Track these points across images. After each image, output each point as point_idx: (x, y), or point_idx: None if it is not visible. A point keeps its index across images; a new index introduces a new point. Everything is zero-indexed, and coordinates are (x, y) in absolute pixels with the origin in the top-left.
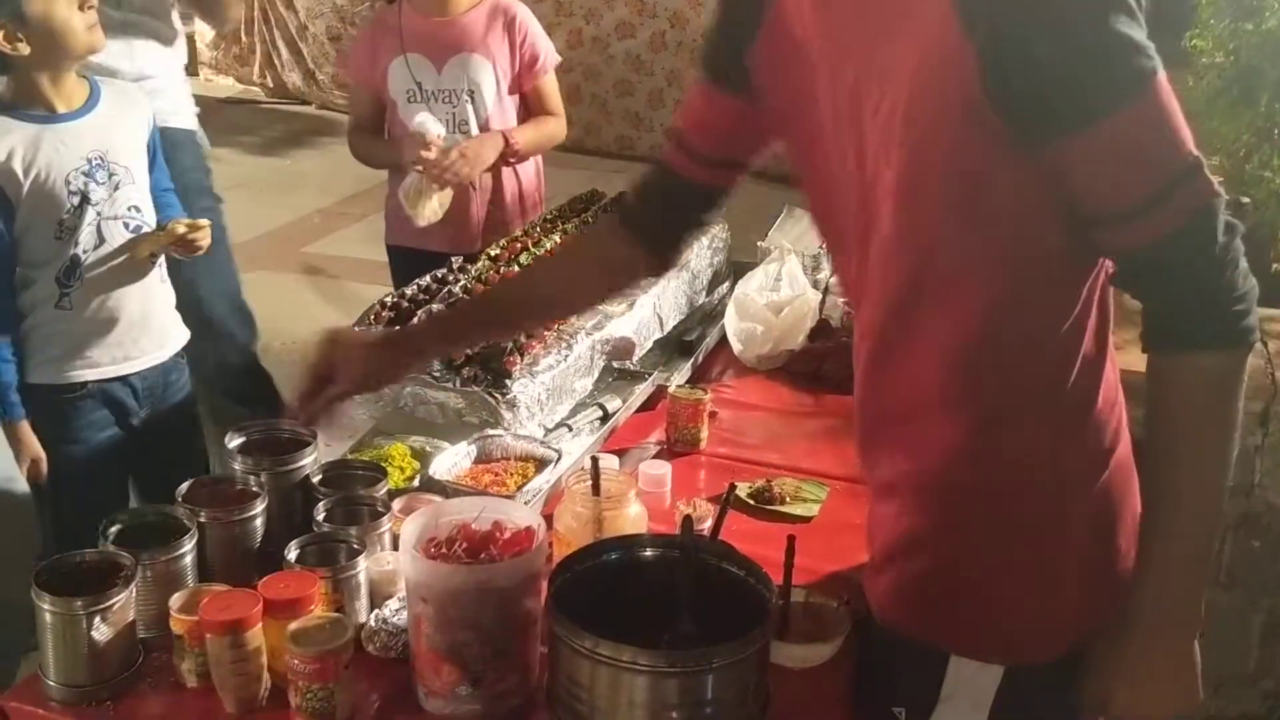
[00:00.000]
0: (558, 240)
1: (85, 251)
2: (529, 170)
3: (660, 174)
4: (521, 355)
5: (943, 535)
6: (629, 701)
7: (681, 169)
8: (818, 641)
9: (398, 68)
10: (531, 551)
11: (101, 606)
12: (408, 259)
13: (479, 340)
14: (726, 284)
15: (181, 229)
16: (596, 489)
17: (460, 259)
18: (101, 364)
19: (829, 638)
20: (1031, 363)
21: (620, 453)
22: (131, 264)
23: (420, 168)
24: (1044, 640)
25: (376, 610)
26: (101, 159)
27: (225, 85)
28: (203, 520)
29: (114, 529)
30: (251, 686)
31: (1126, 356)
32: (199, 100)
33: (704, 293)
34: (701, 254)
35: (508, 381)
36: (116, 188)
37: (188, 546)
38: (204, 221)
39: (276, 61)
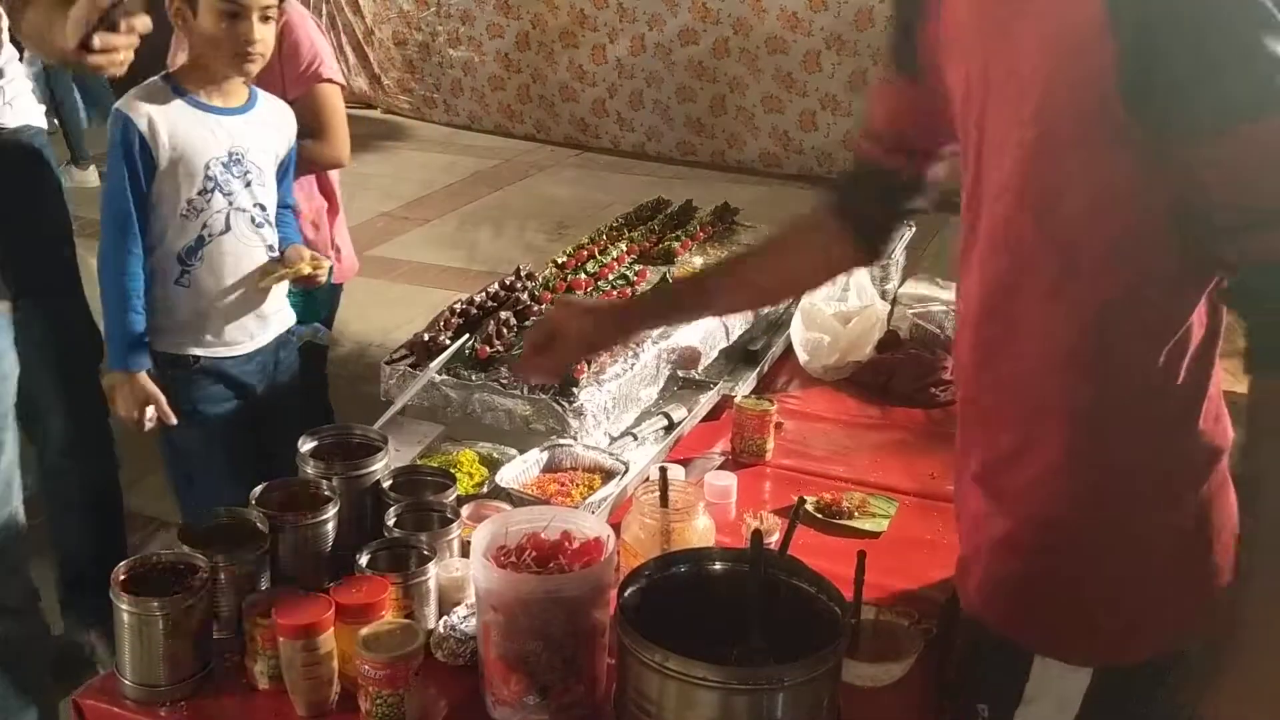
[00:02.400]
0: (624, 248)
1: (210, 235)
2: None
3: (861, 166)
4: (588, 363)
5: (1039, 536)
6: (698, 717)
7: (877, 159)
8: (888, 660)
9: None
10: (601, 562)
11: (177, 608)
12: None
13: (686, 321)
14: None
15: (307, 269)
16: (665, 500)
17: (527, 266)
18: (214, 344)
19: (900, 657)
20: (1139, 369)
21: (685, 462)
22: (249, 261)
23: None
24: (1132, 645)
25: (445, 617)
26: (242, 156)
27: None
28: (276, 524)
29: (190, 531)
30: (322, 690)
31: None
32: None
33: None
34: None
35: (575, 389)
36: (248, 184)
37: (262, 550)
38: (325, 260)
39: (343, 67)
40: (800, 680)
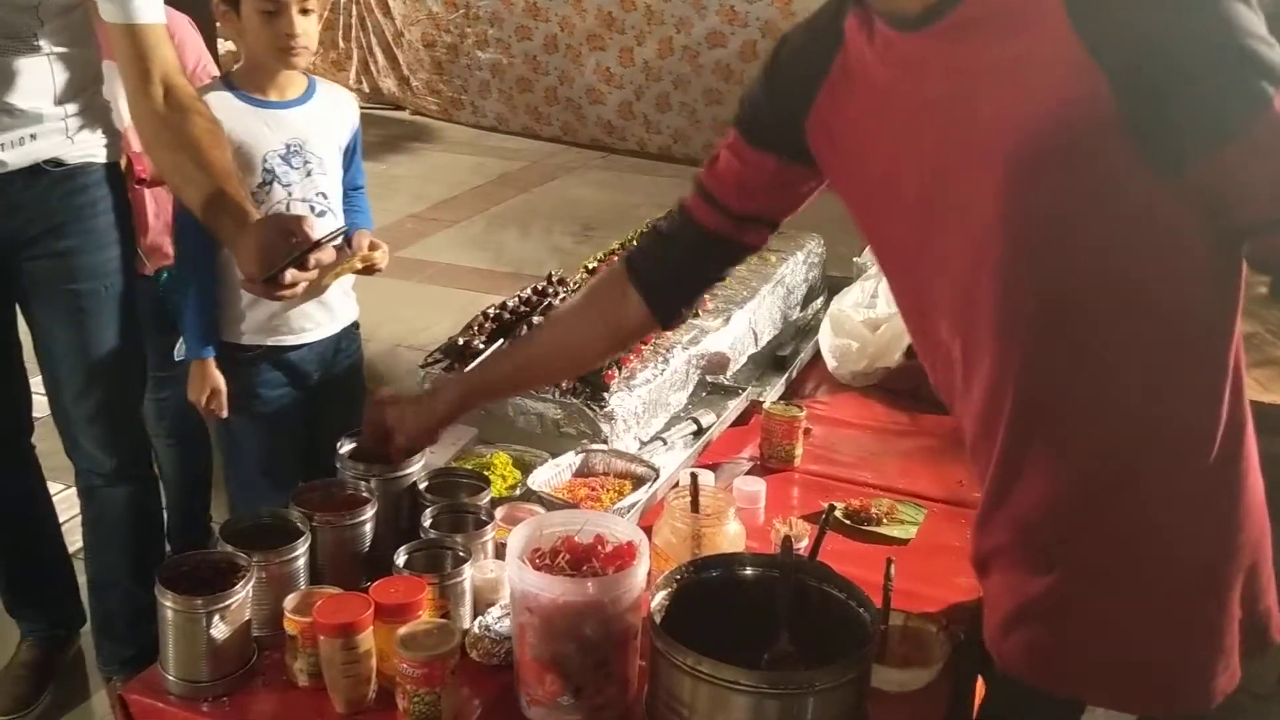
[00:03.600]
0: None
1: None
2: (164, 201)
3: (681, 225)
4: (619, 368)
5: (1078, 598)
6: None
7: (708, 222)
8: (916, 666)
9: None
10: (634, 566)
11: (220, 605)
12: None
13: (504, 397)
14: (821, 299)
15: (358, 264)
16: (696, 505)
17: (559, 272)
18: (279, 332)
19: (928, 663)
20: (1174, 415)
21: (714, 467)
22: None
23: None
24: (1187, 695)
25: (480, 617)
26: (300, 147)
27: None
28: (315, 524)
29: (231, 530)
30: (361, 688)
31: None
32: None
33: (798, 308)
34: (796, 269)
35: (605, 394)
36: (309, 174)
37: (301, 549)
38: (382, 246)
39: (373, 67)
40: (830, 685)
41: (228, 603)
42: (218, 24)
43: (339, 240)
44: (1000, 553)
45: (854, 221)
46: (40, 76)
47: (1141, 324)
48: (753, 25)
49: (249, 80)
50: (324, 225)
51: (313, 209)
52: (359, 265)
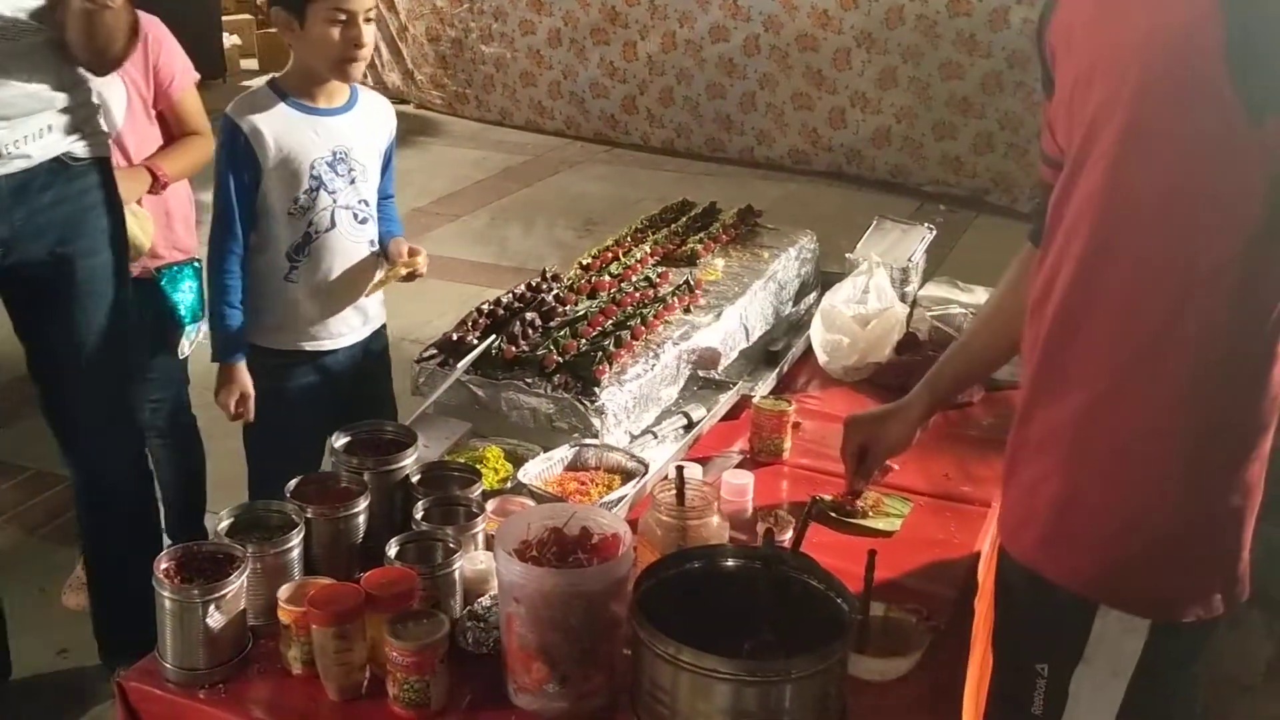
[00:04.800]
0: (648, 250)
1: (316, 233)
2: (179, 192)
3: (1044, 194)
4: (610, 364)
5: (1107, 494)
6: (709, 707)
7: (1051, 180)
8: (896, 656)
9: None
10: (618, 557)
11: (216, 595)
12: None
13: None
14: (813, 295)
15: (404, 271)
16: (681, 499)
17: (553, 267)
18: (317, 338)
19: (907, 652)
20: (1226, 328)
21: (703, 461)
22: (353, 256)
23: None
24: (1195, 600)
25: (470, 607)
26: (345, 154)
27: None
28: (309, 516)
29: (227, 522)
30: (353, 676)
31: None
32: None
33: (790, 303)
34: (789, 265)
35: (596, 389)
36: (352, 181)
37: (295, 540)
38: (422, 252)
39: (377, 61)
40: (807, 673)
41: (223, 592)
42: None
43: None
44: (1032, 445)
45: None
46: (49, 59)
47: (1190, 245)
48: (755, 20)
49: (298, 86)
50: (365, 232)
51: (355, 216)
52: (403, 273)
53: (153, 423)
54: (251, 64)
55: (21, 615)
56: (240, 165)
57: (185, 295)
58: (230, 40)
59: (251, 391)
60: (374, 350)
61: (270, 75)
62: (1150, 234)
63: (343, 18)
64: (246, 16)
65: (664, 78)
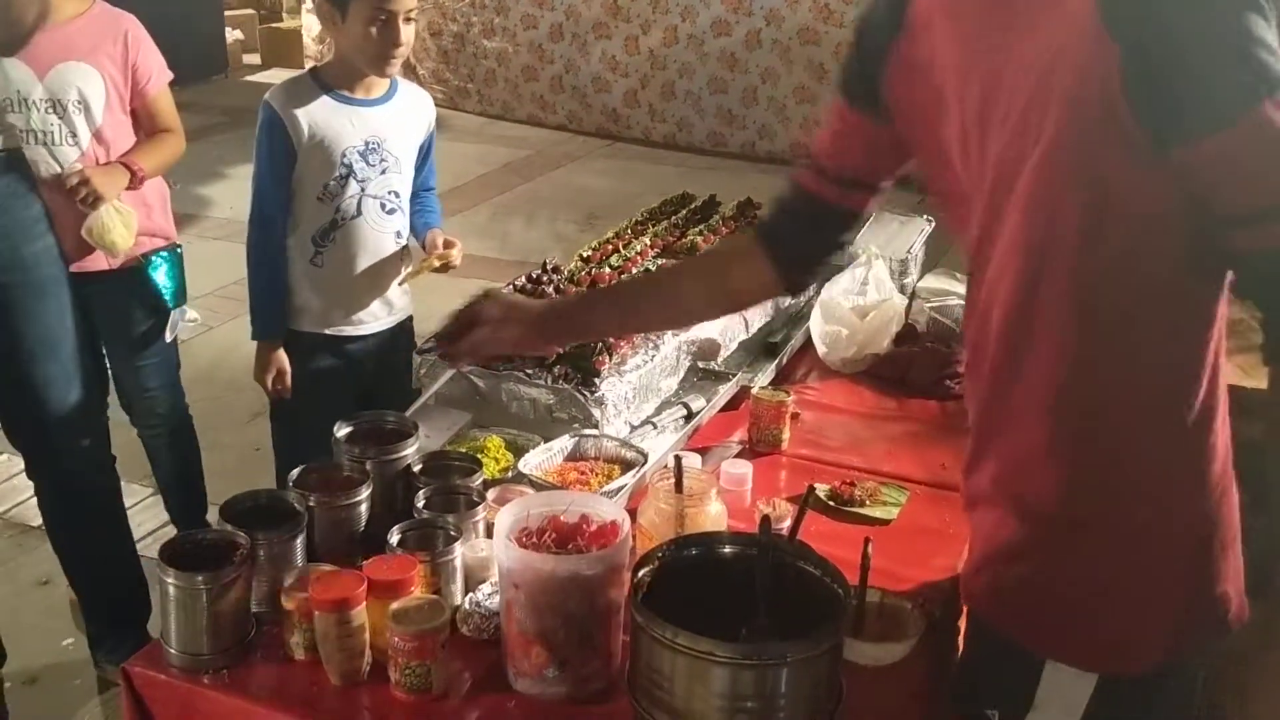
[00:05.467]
0: (648, 242)
1: (342, 219)
2: (153, 180)
3: (794, 196)
4: (610, 355)
5: (1047, 540)
6: (706, 691)
7: (815, 190)
8: (891, 641)
9: None
10: (616, 544)
11: (220, 582)
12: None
13: (606, 336)
14: (813, 286)
15: (436, 263)
16: (679, 486)
17: (554, 259)
18: (337, 323)
19: (903, 638)
20: (1154, 372)
21: (703, 451)
22: (379, 246)
23: (84, 200)
24: (1140, 652)
25: (471, 594)
26: (378, 144)
27: None
28: (312, 504)
29: (230, 510)
30: (355, 661)
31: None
32: None
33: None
34: None
35: (596, 380)
36: (383, 171)
37: (298, 528)
38: (456, 244)
39: None
40: (803, 656)
41: (227, 580)
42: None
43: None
44: (981, 496)
45: (923, 171)
46: None
47: (1122, 294)
48: (757, 14)
49: (338, 77)
50: (392, 222)
51: (383, 206)
52: (436, 264)
53: (153, 410)
54: (254, 59)
55: (26, 606)
56: (275, 147)
57: (169, 281)
58: (232, 35)
59: (288, 369)
60: (399, 341)
61: (311, 65)
62: (1073, 276)
63: (383, 17)
64: (249, 12)
65: (666, 72)
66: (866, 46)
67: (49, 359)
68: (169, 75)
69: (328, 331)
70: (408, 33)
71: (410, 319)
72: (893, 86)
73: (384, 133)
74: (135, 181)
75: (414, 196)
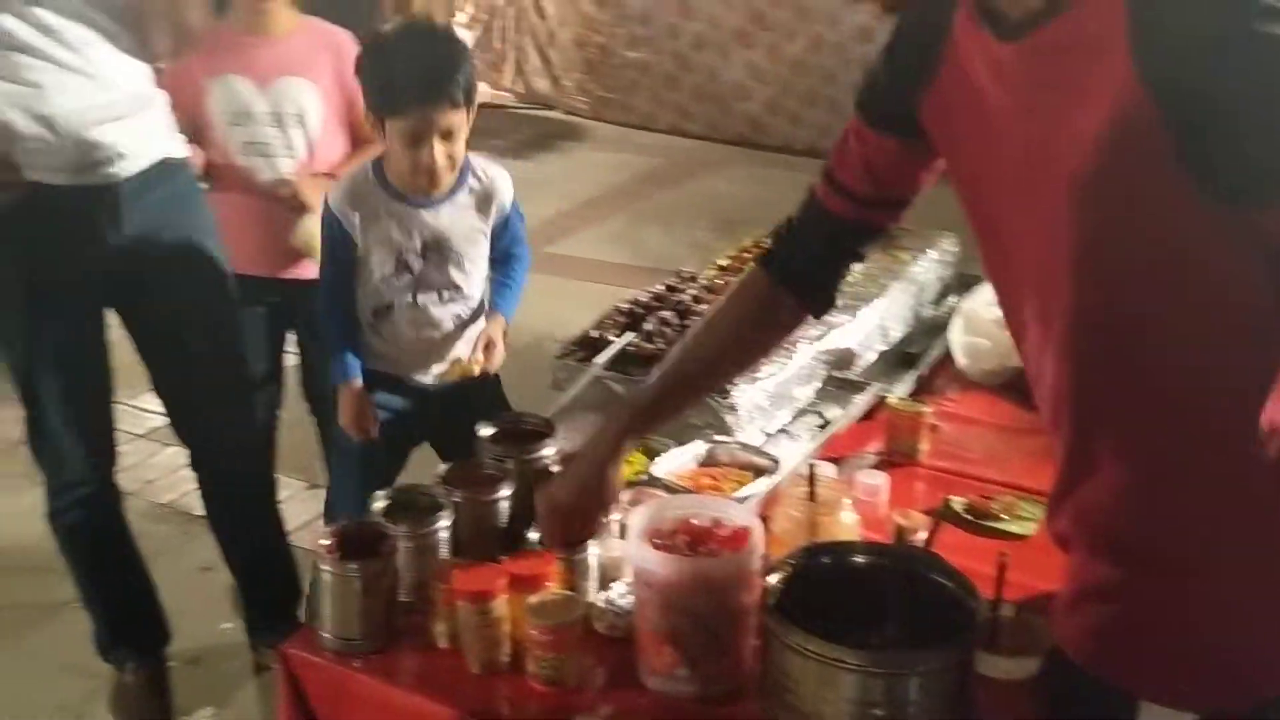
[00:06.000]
0: None
1: (394, 307)
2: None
3: (813, 215)
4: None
5: (1137, 586)
6: (835, 696)
7: (836, 209)
8: (1025, 655)
9: (218, 88)
10: (747, 548)
11: (371, 571)
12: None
13: (667, 422)
14: (954, 298)
15: (475, 370)
16: (813, 495)
17: (690, 269)
18: (403, 367)
19: (1037, 652)
20: (1240, 412)
21: (838, 461)
22: (437, 328)
23: (296, 204)
24: (1244, 689)
25: (604, 592)
26: (440, 243)
27: (479, 91)
28: (457, 500)
29: (382, 503)
30: (494, 651)
31: None
32: None
33: (930, 305)
34: (929, 267)
35: (730, 387)
36: (441, 267)
37: (444, 522)
38: (497, 343)
39: (526, 68)
40: (933, 667)
41: (378, 569)
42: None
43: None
44: (1068, 538)
45: (959, 202)
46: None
47: (1192, 341)
48: None
49: (391, 175)
50: (451, 310)
51: (440, 296)
52: (475, 371)
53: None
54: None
55: (189, 591)
56: (336, 244)
57: None
58: None
59: (371, 408)
60: (471, 397)
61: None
62: (1148, 336)
63: (415, 137)
64: None
65: (809, 79)
66: (905, 68)
67: (218, 371)
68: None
69: (392, 371)
70: (448, 149)
71: (487, 374)
72: (932, 112)
73: (445, 231)
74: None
75: (494, 265)
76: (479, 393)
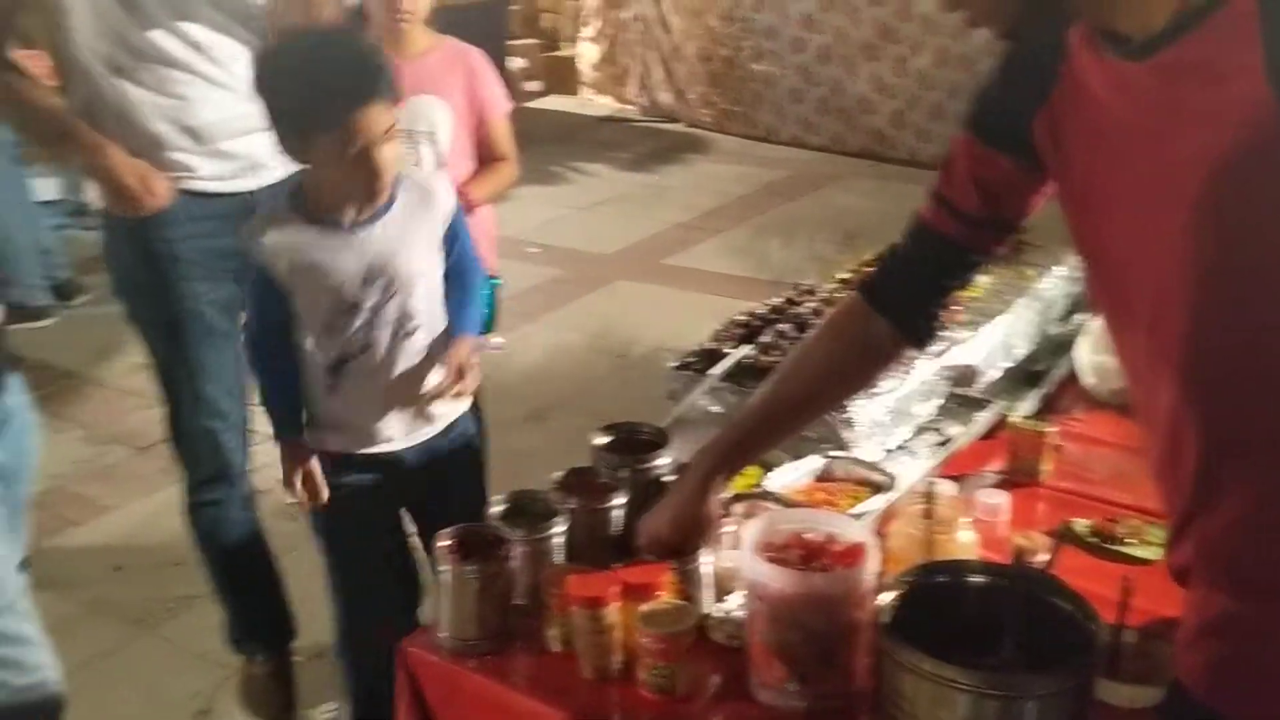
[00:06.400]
0: None
1: (350, 354)
2: (482, 213)
3: (920, 239)
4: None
5: (1263, 620)
6: (949, 718)
7: (945, 229)
8: (1148, 683)
9: None
10: (861, 565)
11: (487, 573)
12: None
13: (763, 453)
14: (1081, 314)
15: (463, 384)
16: (930, 512)
17: (810, 283)
18: (367, 443)
19: (1160, 681)
20: None
21: (958, 479)
22: (400, 369)
23: None
24: None
25: (720, 602)
26: (382, 269)
27: (603, 104)
28: (572, 507)
29: (500, 508)
30: (606, 657)
31: None
32: (578, 119)
33: (1057, 323)
34: (1056, 283)
35: (846, 402)
36: (392, 297)
37: (559, 528)
38: (473, 365)
39: (649, 82)
40: (1050, 691)
41: (494, 571)
42: None
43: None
44: (1188, 571)
45: (1066, 225)
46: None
47: None
48: None
49: (320, 199)
50: (412, 344)
51: (396, 332)
52: (451, 393)
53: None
54: (536, 86)
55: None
56: (262, 296)
57: (485, 310)
58: (517, 64)
59: (319, 471)
60: (447, 450)
61: (294, 176)
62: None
63: (355, 149)
64: (533, 41)
65: (935, 93)
66: (1020, 86)
67: None
68: (508, 105)
69: (360, 451)
70: (389, 153)
71: (464, 418)
72: (1045, 130)
73: (387, 253)
74: (466, 209)
75: (446, 282)
76: (460, 455)
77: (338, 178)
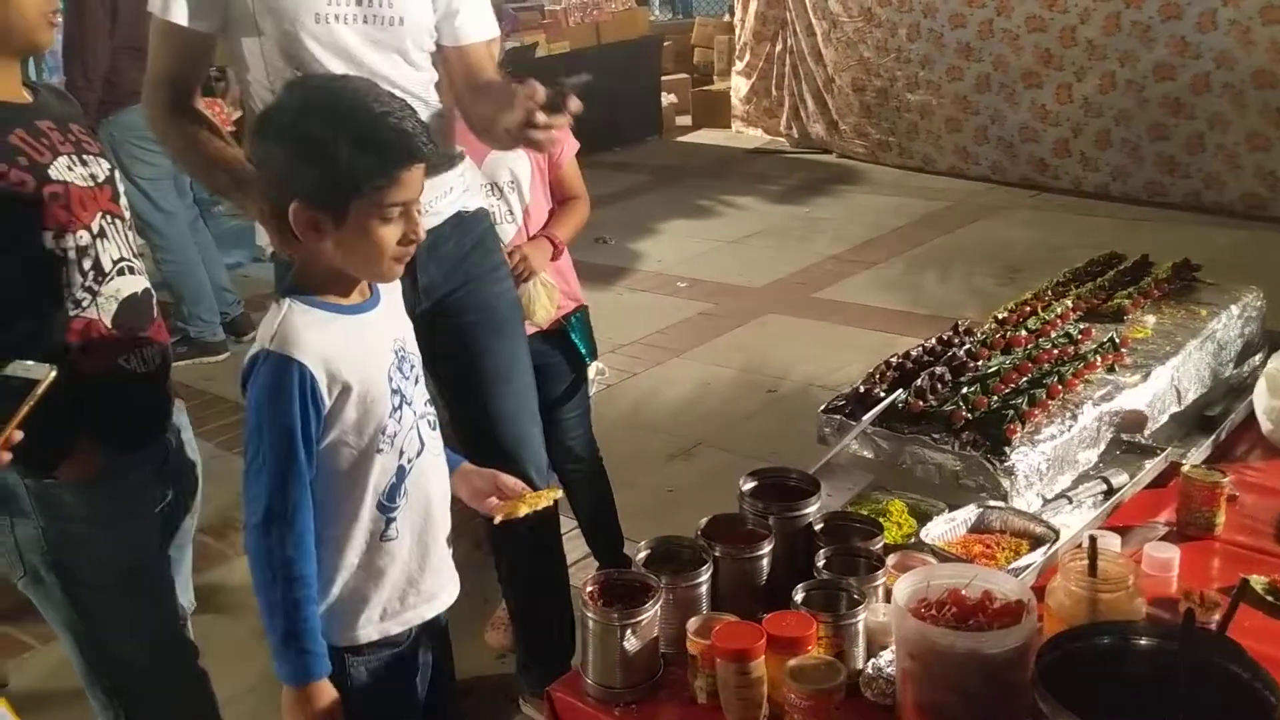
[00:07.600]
0: (1069, 305)
1: (410, 461)
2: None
3: None
4: (1023, 423)
5: None
6: None
7: None
8: None
9: None
10: (1020, 624)
11: (633, 620)
12: None
13: None
14: (1259, 357)
15: (524, 509)
16: (1094, 568)
17: (966, 321)
18: (435, 598)
19: None
20: None
21: (1123, 531)
22: (440, 480)
23: (524, 270)
24: None
25: (873, 659)
26: (403, 347)
27: (754, 136)
28: (718, 554)
29: (644, 553)
30: (752, 711)
31: None
32: (728, 152)
33: (1231, 365)
34: (1230, 323)
35: (1006, 448)
36: (417, 380)
37: (705, 575)
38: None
39: (803, 113)
40: None
41: (639, 619)
42: None
43: None
44: None
45: None
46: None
47: None
48: (1205, 57)
49: (327, 284)
50: (439, 439)
51: (429, 423)
52: (541, 503)
53: (571, 454)
54: (685, 120)
55: (469, 621)
56: (306, 413)
57: (580, 340)
58: (668, 99)
59: (338, 704)
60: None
61: (291, 282)
62: None
63: (395, 212)
64: (683, 76)
65: (1101, 119)
66: None
67: (504, 391)
68: (576, 145)
69: (415, 621)
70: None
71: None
72: None
73: (401, 330)
74: (556, 253)
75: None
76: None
77: (368, 249)
